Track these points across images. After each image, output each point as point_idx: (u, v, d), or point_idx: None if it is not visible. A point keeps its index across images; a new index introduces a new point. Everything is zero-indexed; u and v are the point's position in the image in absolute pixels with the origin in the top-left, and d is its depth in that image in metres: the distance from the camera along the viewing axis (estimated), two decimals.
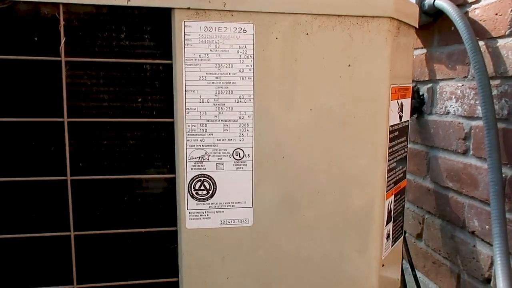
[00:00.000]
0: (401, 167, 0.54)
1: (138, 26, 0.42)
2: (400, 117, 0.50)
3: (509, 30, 0.85)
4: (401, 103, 0.50)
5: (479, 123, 0.93)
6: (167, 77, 0.43)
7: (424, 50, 1.13)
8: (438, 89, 1.08)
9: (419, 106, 1.16)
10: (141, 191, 0.44)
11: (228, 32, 0.42)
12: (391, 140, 0.47)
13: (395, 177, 0.51)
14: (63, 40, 0.40)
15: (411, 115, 1.19)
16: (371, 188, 0.46)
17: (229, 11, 0.42)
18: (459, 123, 0.99)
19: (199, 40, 0.42)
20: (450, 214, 1.02)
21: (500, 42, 0.87)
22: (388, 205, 0.48)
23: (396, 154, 0.51)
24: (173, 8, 0.41)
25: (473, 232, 0.94)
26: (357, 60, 0.44)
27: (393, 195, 0.50)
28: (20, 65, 0.41)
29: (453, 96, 1.02)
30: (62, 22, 0.40)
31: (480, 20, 0.92)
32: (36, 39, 0.41)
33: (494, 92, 0.88)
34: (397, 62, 0.48)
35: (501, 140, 0.86)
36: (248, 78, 0.43)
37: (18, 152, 0.42)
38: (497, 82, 0.88)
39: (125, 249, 0.44)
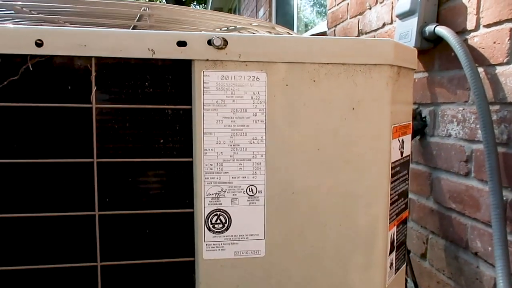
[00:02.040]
0: (402, 199, 0.57)
1: (161, 75, 0.47)
2: (401, 153, 0.54)
3: (507, 58, 0.89)
4: (402, 140, 0.53)
5: (480, 146, 0.96)
6: (187, 121, 0.47)
7: (426, 74, 1.17)
8: (439, 112, 1.11)
9: (422, 128, 1.20)
10: (161, 224, 0.48)
11: (242, 80, 0.46)
12: (392, 175, 0.51)
13: (397, 209, 0.55)
14: (94, 89, 0.45)
15: (414, 136, 1.23)
16: (375, 222, 0.49)
17: (244, 61, 0.46)
18: (461, 146, 1.02)
19: (216, 87, 0.46)
20: (453, 235, 1.05)
21: (499, 69, 0.90)
22: (391, 235, 0.52)
23: (398, 188, 0.55)
24: (193, 60, 0.46)
25: (476, 253, 0.96)
26: (360, 104, 0.48)
27: (395, 226, 0.54)
28: (55, 111, 0.46)
29: (455, 120, 1.05)
30: (93, 73, 0.44)
31: (479, 48, 0.96)
32: (69, 87, 0.46)
33: (494, 117, 0.91)
34: (397, 103, 0.52)
35: (502, 164, 0.89)
36: (261, 121, 0.47)
37: (51, 189, 0.46)
38: (496, 107, 0.91)
39: (148, 278, 0.48)
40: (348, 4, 1.73)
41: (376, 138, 0.49)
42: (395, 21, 1.31)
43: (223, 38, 0.45)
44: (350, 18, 1.73)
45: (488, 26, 0.94)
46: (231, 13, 6.88)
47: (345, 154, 0.49)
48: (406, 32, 1.17)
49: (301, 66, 0.47)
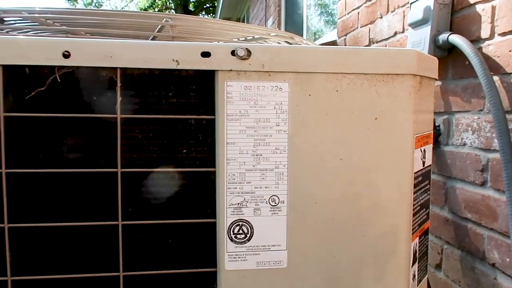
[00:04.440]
0: (424, 209, 0.57)
1: (185, 85, 0.47)
2: (423, 163, 0.53)
3: None
4: (424, 150, 0.53)
5: (496, 155, 0.95)
6: (210, 131, 0.47)
7: (439, 82, 1.17)
8: (454, 121, 1.10)
9: (435, 137, 1.19)
10: (184, 234, 0.48)
11: (265, 90, 0.46)
12: (415, 186, 0.51)
13: (420, 219, 0.55)
14: (119, 99, 0.45)
15: None
16: (398, 232, 0.49)
17: (267, 72, 0.46)
18: (476, 155, 1.01)
19: (239, 97, 0.46)
20: (469, 245, 1.04)
21: None
22: (414, 246, 0.51)
23: (420, 198, 0.54)
24: (217, 70, 0.46)
25: (493, 264, 0.95)
26: (383, 114, 0.48)
27: (417, 237, 0.53)
28: (81, 122, 0.46)
29: (469, 128, 1.04)
30: (119, 84, 0.45)
31: (494, 56, 0.96)
32: (95, 98, 0.46)
33: (510, 126, 0.91)
34: (420, 113, 0.52)
35: None
36: (284, 131, 0.47)
37: (76, 198, 0.47)
38: None
39: None
40: (358, 13, 1.74)
41: (399, 148, 0.49)
42: (407, 29, 1.31)
43: (246, 48, 0.45)
44: (360, 27, 1.73)
45: (503, 34, 0.94)
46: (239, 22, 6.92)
47: (367, 164, 0.48)
48: (419, 40, 1.16)
49: (323, 76, 0.47)
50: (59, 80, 0.45)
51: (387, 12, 1.50)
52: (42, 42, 0.45)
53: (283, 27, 3.50)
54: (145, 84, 0.46)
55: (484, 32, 0.99)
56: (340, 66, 0.47)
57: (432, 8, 1.10)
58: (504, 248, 0.92)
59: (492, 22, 0.97)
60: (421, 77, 0.50)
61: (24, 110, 0.45)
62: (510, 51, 0.92)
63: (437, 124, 1.19)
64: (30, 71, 0.45)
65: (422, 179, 0.54)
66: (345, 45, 1.89)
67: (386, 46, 1.49)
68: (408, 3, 1.34)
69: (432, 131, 0.58)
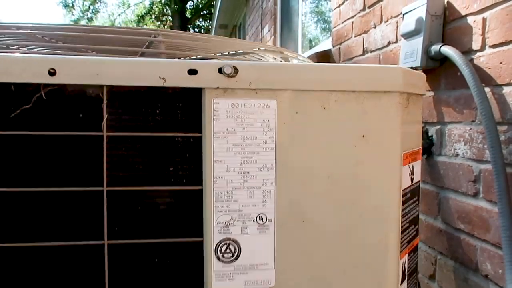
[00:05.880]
0: (413, 226, 0.56)
1: (171, 102, 0.47)
2: (412, 179, 0.53)
3: None
4: (412, 166, 0.53)
5: (488, 166, 0.95)
6: (197, 149, 0.47)
7: (432, 93, 1.17)
8: (446, 131, 1.11)
9: (428, 147, 1.19)
10: (170, 253, 0.48)
11: (253, 107, 0.46)
12: (403, 203, 0.50)
13: (409, 236, 0.54)
14: (105, 117, 0.45)
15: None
16: (386, 251, 0.49)
17: (254, 89, 0.46)
18: (469, 165, 1.01)
19: (226, 115, 0.46)
20: (462, 256, 1.03)
21: (506, 90, 0.90)
22: (403, 264, 0.51)
23: (409, 215, 0.54)
24: (204, 88, 0.46)
25: (486, 276, 0.95)
26: (370, 131, 0.48)
27: (407, 254, 0.53)
28: (66, 139, 0.46)
29: (462, 139, 1.04)
30: (105, 101, 0.45)
31: (486, 68, 0.96)
32: (81, 115, 0.46)
33: (502, 137, 0.91)
34: (407, 129, 0.51)
35: (511, 185, 0.88)
36: (271, 148, 0.47)
37: (61, 217, 0.46)
38: (504, 128, 0.91)
39: None
40: (352, 22, 1.75)
41: (387, 166, 0.48)
42: (400, 40, 1.32)
43: (233, 66, 0.45)
44: (354, 37, 1.74)
45: (494, 46, 0.94)
46: (235, 29, 6.92)
47: (355, 182, 0.48)
48: (412, 51, 1.17)
49: (311, 93, 0.47)
50: (44, 98, 0.45)
51: (381, 22, 1.50)
52: (27, 59, 0.45)
53: (278, 34, 3.52)
54: (131, 101, 0.46)
55: (476, 44, 1.00)
56: (327, 84, 0.47)
57: (424, 19, 1.11)
58: (496, 260, 0.92)
59: (483, 34, 0.98)
60: (408, 94, 0.50)
61: (8, 128, 0.45)
62: (501, 63, 0.92)
63: (430, 135, 1.20)
64: (16, 88, 0.45)
65: (410, 195, 0.54)
66: (340, 54, 1.90)
67: (380, 56, 1.50)
68: (401, 13, 1.35)
69: (420, 147, 0.58)
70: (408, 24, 1.16)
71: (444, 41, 1.11)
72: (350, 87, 0.47)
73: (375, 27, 1.55)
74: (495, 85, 0.94)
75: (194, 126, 0.47)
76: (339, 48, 1.91)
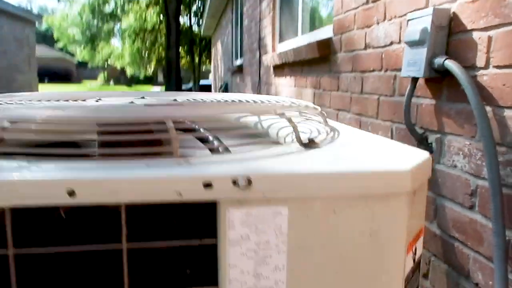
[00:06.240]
0: None
1: (187, 214, 0.48)
2: (414, 259, 0.56)
3: None
4: (415, 248, 0.56)
5: (486, 183, 0.99)
6: (213, 254, 0.49)
7: (433, 101, 1.18)
8: (446, 142, 1.13)
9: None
10: None
11: (266, 215, 0.48)
12: (406, 285, 0.53)
13: None
14: (124, 230, 0.46)
15: None
16: None
17: (267, 199, 0.48)
18: (466, 179, 1.05)
19: (240, 223, 0.47)
20: (455, 262, 1.10)
21: (507, 112, 0.92)
22: None
23: None
24: (219, 199, 0.47)
25: (477, 284, 1.01)
26: (378, 231, 0.50)
27: None
28: (86, 253, 0.47)
29: (461, 152, 1.07)
30: (123, 216, 0.46)
31: (488, 87, 0.97)
32: (100, 230, 0.47)
33: (500, 158, 0.94)
34: (413, 219, 0.53)
35: (506, 205, 0.92)
36: (283, 251, 0.49)
37: None
38: (503, 149, 0.93)
39: None
40: (355, 14, 1.71)
41: (392, 259, 0.51)
42: (403, 41, 1.30)
43: (247, 178, 0.46)
44: (357, 29, 1.71)
45: (498, 67, 0.95)
46: (232, 3, 6.55)
47: (360, 276, 0.50)
48: (415, 60, 1.17)
49: (322, 199, 0.48)
50: (63, 216, 0.46)
51: (384, 19, 1.48)
52: (46, 181, 0.45)
53: (278, 9, 3.41)
54: (149, 214, 0.47)
55: (480, 61, 1.00)
56: (337, 190, 0.48)
57: (429, 30, 1.10)
58: (488, 271, 0.98)
59: (487, 52, 0.97)
60: (415, 190, 0.51)
61: (31, 245, 0.46)
62: (504, 85, 0.93)
63: (429, 142, 1.22)
64: (36, 209, 0.45)
65: (413, 275, 0.56)
66: (341, 44, 1.88)
67: (382, 55, 1.49)
68: (405, 14, 1.33)
69: (423, 225, 0.60)
70: (413, 32, 1.15)
71: (448, 52, 1.11)
72: (360, 192, 0.49)
73: (378, 24, 1.52)
74: (497, 105, 0.95)
75: (210, 233, 0.48)
76: (340, 37, 1.88)
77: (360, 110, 1.69)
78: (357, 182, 0.49)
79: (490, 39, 0.97)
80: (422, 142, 1.24)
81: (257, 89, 4.03)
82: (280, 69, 3.07)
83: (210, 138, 0.62)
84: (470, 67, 1.03)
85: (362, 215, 0.49)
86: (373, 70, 1.56)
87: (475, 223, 1.02)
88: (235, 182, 0.46)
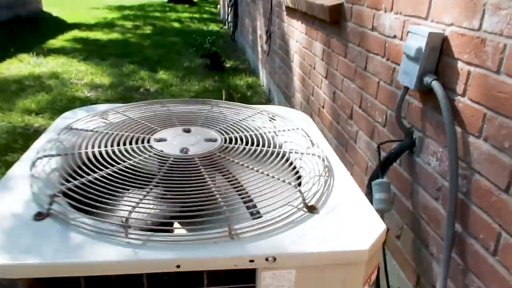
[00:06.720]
0: None
1: (239, 276, 0.76)
2: (369, 284, 0.86)
3: (477, 133, 1.12)
4: (370, 279, 0.85)
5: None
6: None
7: (420, 105, 1.38)
8: (425, 143, 1.37)
9: (411, 146, 1.46)
10: None
11: (283, 274, 0.74)
12: None
13: None
14: (205, 282, 0.77)
15: (404, 151, 1.50)
16: None
17: (284, 266, 0.76)
18: (436, 177, 1.32)
19: (269, 278, 0.75)
20: (419, 234, 1.43)
21: (472, 139, 1.14)
22: None
23: None
24: (258, 267, 0.75)
25: (432, 254, 1.36)
26: (345, 280, 0.78)
27: None
28: None
29: (435, 155, 1.32)
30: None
31: (462, 112, 1.18)
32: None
33: (460, 171, 1.19)
34: (369, 267, 0.80)
35: (459, 206, 1.20)
36: None
37: None
38: (464, 165, 1.18)
39: None
40: None
41: None
42: (405, 40, 1.43)
43: (273, 257, 0.73)
44: (366, 7, 1.79)
45: (471, 100, 1.14)
46: None
47: None
48: (409, 72, 1.34)
49: (315, 265, 0.76)
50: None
51: (391, 10, 1.57)
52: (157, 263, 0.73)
53: None
54: (224, 276, 0.77)
55: (459, 89, 1.19)
56: (323, 261, 0.77)
57: (423, 50, 1.25)
58: (440, 247, 1.31)
59: (466, 84, 1.16)
60: (371, 255, 0.79)
61: None
62: (472, 116, 1.14)
63: (414, 137, 1.45)
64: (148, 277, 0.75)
65: None
66: (351, 15, 1.95)
67: (385, 43, 1.62)
68: (409, 15, 1.44)
69: (377, 265, 0.89)
70: (410, 47, 1.30)
71: (438, 69, 1.28)
72: (334, 262, 0.77)
73: (385, 12, 1.62)
74: (465, 130, 1.17)
75: (252, 282, 0.77)
76: (351, 7, 1.95)
77: (362, 85, 1.87)
78: (334, 256, 0.78)
79: (469, 73, 1.14)
80: (408, 135, 1.48)
81: (269, 19, 4.01)
82: (292, 11, 3.07)
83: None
84: (452, 89, 1.21)
85: (337, 272, 0.79)
86: (377, 54, 1.70)
87: (437, 211, 1.32)
88: (267, 259, 0.75)
